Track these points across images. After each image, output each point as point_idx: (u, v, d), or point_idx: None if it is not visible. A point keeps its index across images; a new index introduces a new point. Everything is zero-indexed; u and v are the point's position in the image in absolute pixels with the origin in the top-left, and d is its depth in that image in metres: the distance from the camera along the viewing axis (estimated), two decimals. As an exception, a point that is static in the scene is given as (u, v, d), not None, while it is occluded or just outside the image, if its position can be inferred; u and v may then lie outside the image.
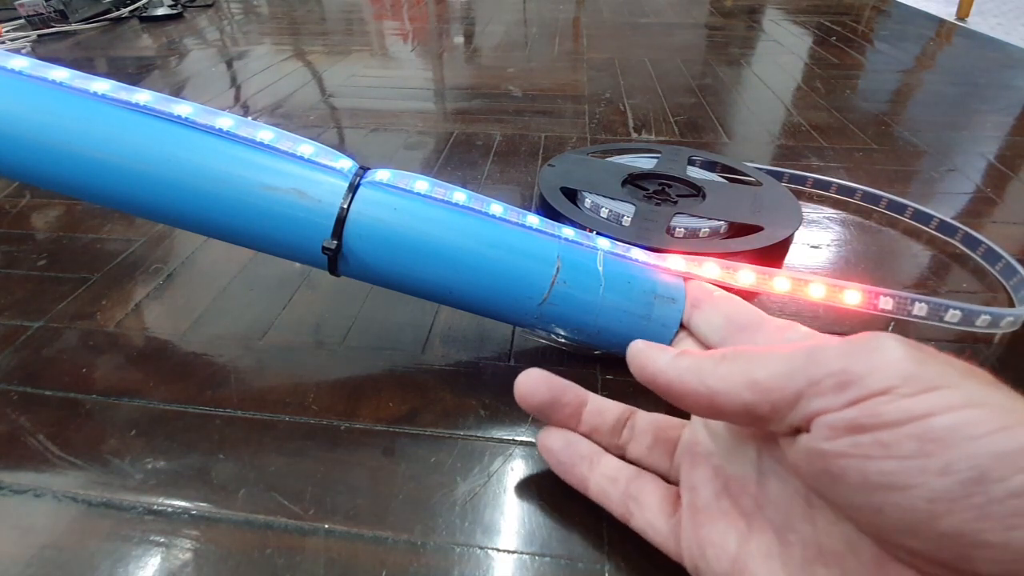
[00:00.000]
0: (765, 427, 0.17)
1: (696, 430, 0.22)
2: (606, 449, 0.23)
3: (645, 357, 0.19)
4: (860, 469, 0.14)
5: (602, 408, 0.24)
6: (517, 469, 0.25)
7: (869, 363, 0.14)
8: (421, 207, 0.26)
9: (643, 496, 0.21)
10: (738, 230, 0.37)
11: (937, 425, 0.13)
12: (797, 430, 0.16)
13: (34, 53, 0.91)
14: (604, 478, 0.22)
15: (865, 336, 0.15)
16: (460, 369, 0.30)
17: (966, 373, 0.14)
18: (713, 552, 0.19)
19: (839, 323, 0.33)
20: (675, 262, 0.28)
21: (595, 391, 0.28)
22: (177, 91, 0.74)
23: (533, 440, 0.26)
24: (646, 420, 0.24)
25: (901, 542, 0.14)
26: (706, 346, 0.25)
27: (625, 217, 0.37)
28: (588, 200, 0.39)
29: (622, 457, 0.23)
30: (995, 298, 0.35)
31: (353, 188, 0.25)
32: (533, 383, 0.23)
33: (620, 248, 0.28)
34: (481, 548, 0.22)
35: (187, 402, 0.28)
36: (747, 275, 0.28)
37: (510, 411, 0.28)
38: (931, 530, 0.13)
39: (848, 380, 0.14)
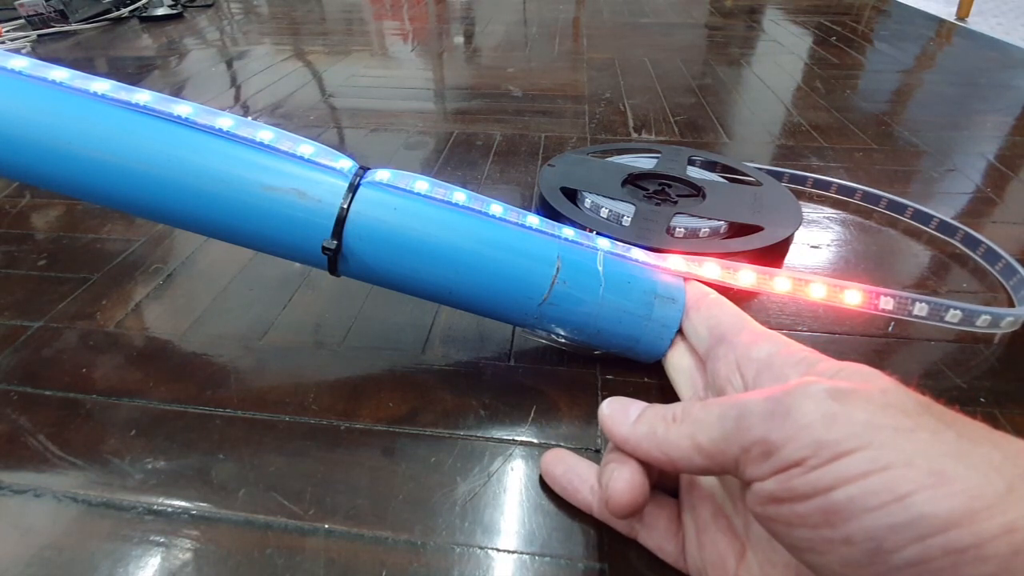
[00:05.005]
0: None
1: None
2: None
3: (611, 423, 0.20)
4: (785, 533, 0.15)
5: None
6: (517, 469, 0.25)
7: (784, 430, 0.15)
8: (421, 207, 0.26)
9: (648, 518, 0.21)
10: (738, 230, 0.37)
11: (838, 498, 0.14)
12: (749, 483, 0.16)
13: (34, 53, 0.91)
14: None
15: (785, 393, 0.16)
16: (460, 369, 0.30)
17: (892, 417, 0.14)
18: (715, 572, 0.19)
19: (840, 323, 0.33)
20: (675, 262, 0.28)
21: (595, 391, 0.28)
22: (177, 91, 0.74)
23: (533, 440, 0.26)
24: None
25: None
26: (696, 352, 0.25)
27: (625, 217, 0.37)
28: (588, 200, 0.39)
29: None
30: (995, 298, 0.35)
31: (353, 188, 0.25)
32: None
33: (620, 248, 0.28)
34: (481, 548, 0.22)
35: (187, 402, 0.28)
36: (747, 275, 0.28)
37: (510, 411, 0.27)
38: None
39: (768, 450, 0.15)
